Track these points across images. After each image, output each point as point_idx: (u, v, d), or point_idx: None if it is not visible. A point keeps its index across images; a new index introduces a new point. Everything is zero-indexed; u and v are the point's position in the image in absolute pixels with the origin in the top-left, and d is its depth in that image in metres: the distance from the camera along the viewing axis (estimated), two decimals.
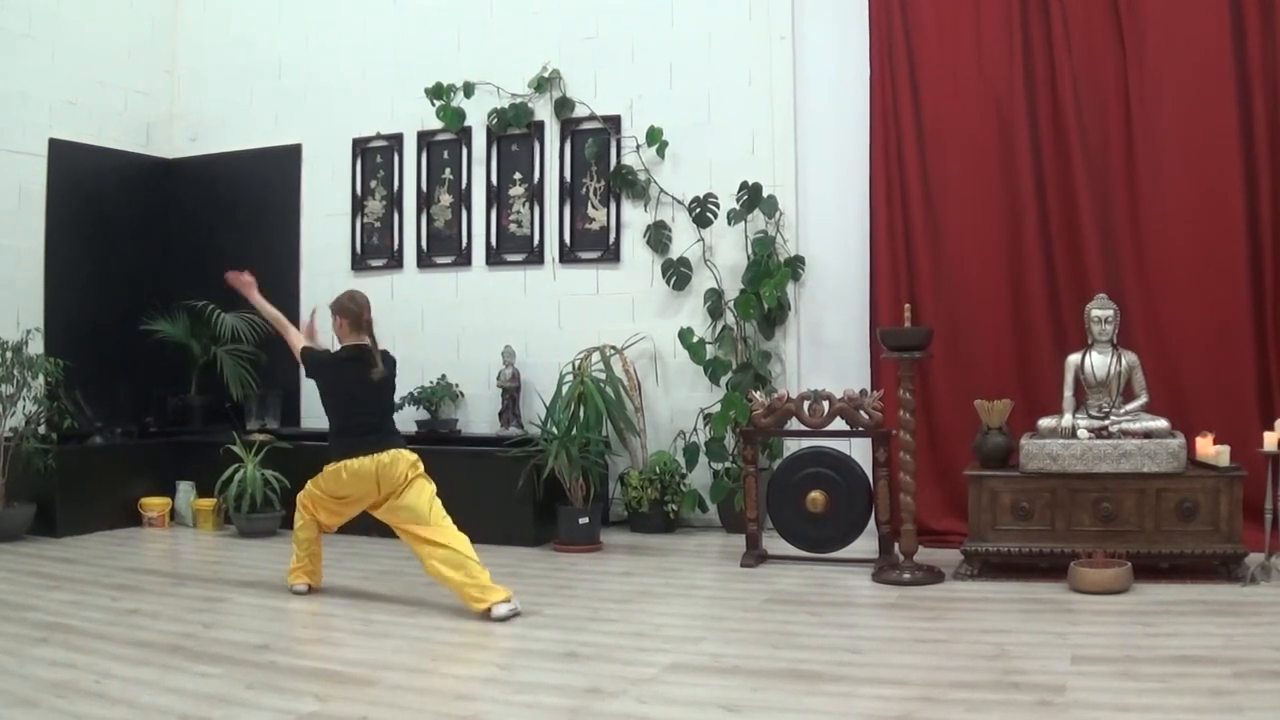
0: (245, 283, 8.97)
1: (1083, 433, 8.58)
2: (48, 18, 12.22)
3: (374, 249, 12.65)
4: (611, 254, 11.60)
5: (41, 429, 11.02)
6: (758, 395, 9.62)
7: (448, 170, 12.33)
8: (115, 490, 11.51)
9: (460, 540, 7.79)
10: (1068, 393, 8.91)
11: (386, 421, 8.30)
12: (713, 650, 6.82)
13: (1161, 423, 8.58)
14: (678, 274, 11.11)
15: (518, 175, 12.00)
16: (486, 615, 7.50)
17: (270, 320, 9.07)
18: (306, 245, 12.93)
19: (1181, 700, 5.57)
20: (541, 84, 11.73)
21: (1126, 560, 8.09)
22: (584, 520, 10.08)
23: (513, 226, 12.02)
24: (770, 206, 10.77)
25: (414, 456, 8.11)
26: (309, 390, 12.63)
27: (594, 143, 11.56)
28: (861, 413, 9.20)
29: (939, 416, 10.15)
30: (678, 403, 11.27)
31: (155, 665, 6.50)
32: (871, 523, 9.33)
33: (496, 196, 12.10)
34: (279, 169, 13.01)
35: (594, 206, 11.69)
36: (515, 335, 11.70)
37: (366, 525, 10.33)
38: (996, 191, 10.08)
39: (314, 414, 12.58)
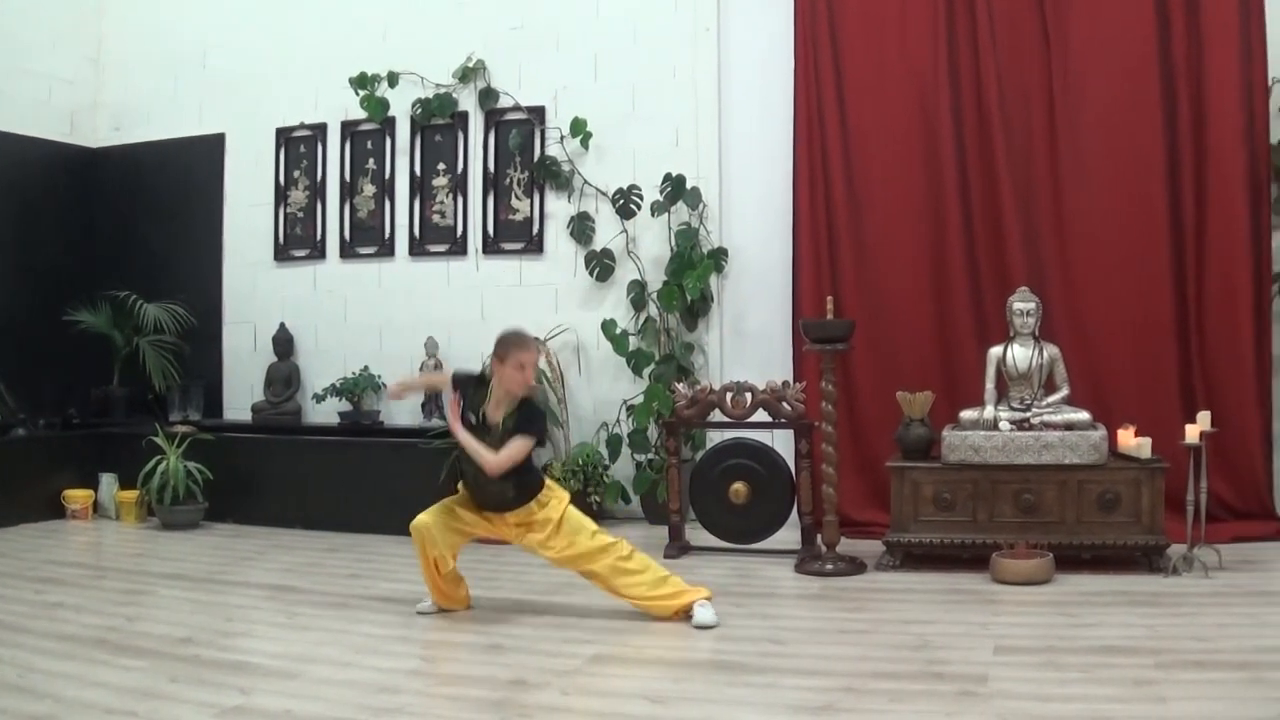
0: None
1: (1004, 425, 8.63)
2: None
3: (297, 239, 12.54)
4: (535, 245, 11.56)
5: None
6: (680, 387, 9.63)
7: (371, 160, 12.24)
8: (38, 482, 11.40)
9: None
10: (989, 385, 8.97)
11: None
12: (636, 641, 6.86)
13: (1083, 415, 8.64)
14: (601, 265, 11.11)
15: (441, 166, 11.94)
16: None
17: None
18: (229, 235, 12.77)
19: (1104, 690, 5.61)
20: (466, 74, 11.68)
21: (1048, 551, 8.15)
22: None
23: (436, 217, 11.96)
24: (694, 198, 10.78)
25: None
26: (231, 382, 12.60)
27: (518, 133, 11.51)
28: (784, 404, 9.22)
29: (861, 408, 10.18)
30: (600, 394, 11.26)
31: (80, 659, 6.45)
32: (794, 514, 9.36)
33: (420, 187, 12.04)
34: (202, 159, 12.85)
35: (517, 197, 11.65)
36: (438, 326, 11.64)
37: (290, 517, 10.33)
38: (919, 184, 10.13)
39: (236, 405, 12.53)
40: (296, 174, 12.56)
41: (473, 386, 7.53)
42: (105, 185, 13.20)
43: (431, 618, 7.49)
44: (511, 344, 7.35)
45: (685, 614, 7.24)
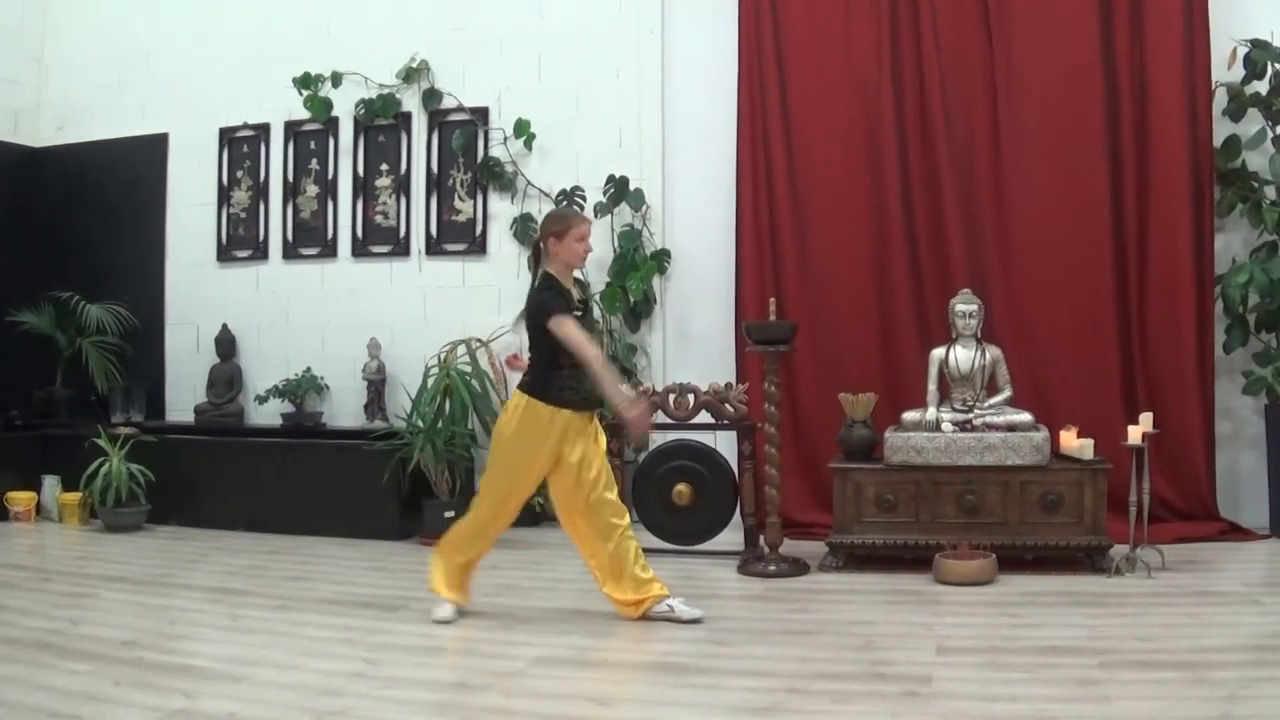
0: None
1: (947, 426, 8.65)
2: None
3: (239, 240, 12.45)
4: (478, 246, 11.53)
5: None
6: (623, 388, 9.62)
7: (314, 161, 12.18)
8: None
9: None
10: (932, 386, 8.99)
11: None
12: (580, 643, 6.84)
13: (1025, 416, 8.67)
14: None
15: (384, 166, 11.90)
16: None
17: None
18: (172, 236, 12.66)
19: (1047, 690, 5.64)
20: (410, 75, 11.64)
21: (991, 552, 8.17)
22: (449, 514, 9.96)
23: (379, 218, 11.91)
24: (637, 200, 10.78)
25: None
26: (174, 383, 12.51)
27: (461, 134, 11.47)
28: (727, 406, 9.23)
29: (804, 409, 10.20)
30: None
31: (24, 662, 6.39)
32: (737, 515, 9.36)
33: (363, 188, 11.98)
34: (146, 159, 12.74)
35: (461, 198, 11.62)
36: (381, 327, 11.60)
37: (233, 519, 10.25)
38: (862, 186, 10.16)
39: (178, 407, 12.45)
40: (239, 174, 12.47)
41: (554, 289, 7.23)
42: (48, 185, 13.07)
43: (375, 621, 7.43)
44: (568, 217, 7.33)
45: (643, 614, 7.23)
